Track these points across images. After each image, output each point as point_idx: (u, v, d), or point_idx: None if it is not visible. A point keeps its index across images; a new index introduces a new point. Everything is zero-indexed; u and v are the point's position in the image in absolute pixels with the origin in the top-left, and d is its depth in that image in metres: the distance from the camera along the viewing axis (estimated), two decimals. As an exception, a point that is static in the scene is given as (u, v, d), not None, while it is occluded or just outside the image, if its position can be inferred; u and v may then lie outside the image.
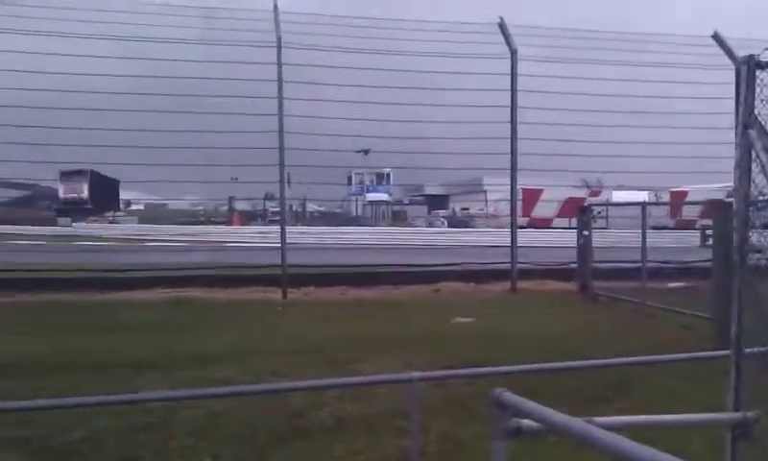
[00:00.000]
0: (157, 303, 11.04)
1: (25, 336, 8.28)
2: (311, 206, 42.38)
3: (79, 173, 36.07)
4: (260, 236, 29.80)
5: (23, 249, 20.37)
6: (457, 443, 5.10)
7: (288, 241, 13.35)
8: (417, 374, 4.15)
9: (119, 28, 13.35)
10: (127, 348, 7.71)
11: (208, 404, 5.60)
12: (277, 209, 40.86)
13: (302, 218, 39.62)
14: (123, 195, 40.48)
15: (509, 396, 2.47)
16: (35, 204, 43.08)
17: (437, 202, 49.06)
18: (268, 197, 36.21)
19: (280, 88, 12.66)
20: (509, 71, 14.04)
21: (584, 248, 13.34)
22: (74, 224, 34.56)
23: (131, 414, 5.37)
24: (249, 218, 42.27)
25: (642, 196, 23.31)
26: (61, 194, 38.97)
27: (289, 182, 13.27)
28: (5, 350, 7.48)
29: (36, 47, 12.96)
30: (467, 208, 46.66)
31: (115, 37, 13.73)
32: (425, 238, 30.09)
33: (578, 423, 2.18)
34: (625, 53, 14.32)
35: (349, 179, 40.38)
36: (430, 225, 40.99)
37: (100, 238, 28.79)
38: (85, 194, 39.13)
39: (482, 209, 42.44)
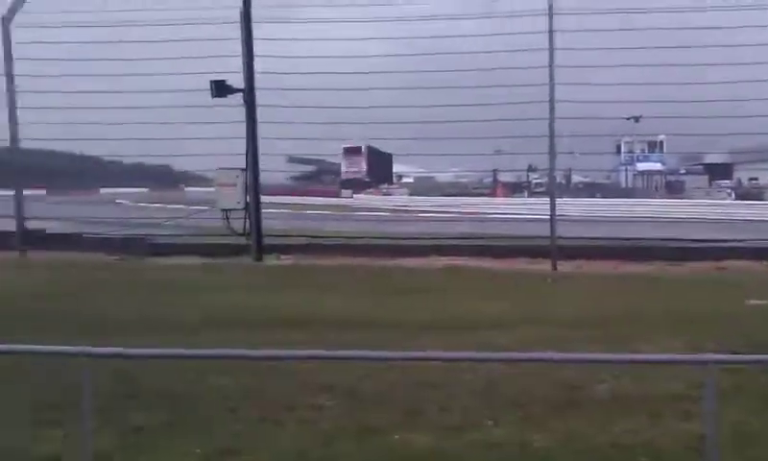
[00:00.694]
0: (431, 270, 11.68)
1: (333, 296, 9.32)
2: (576, 177, 41.07)
3: (358, 149, 39.51)
4: (524, 208, 29.76)
5: (313, 217, 22.95)
6: (753, 433, 4.67)
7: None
8: (713, 356, 3.87)
9: (391, 9, 14.16)
10: (408, 310, 8.32)
11: (486, 369, 5.82)
12: (541, 181, 40.32)
13: (567, 189, 38.60)
14: (395, 168, 43.35)
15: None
16: (320, 177, 48.09)
17: (719, 171, 44.03)
18: (531, 168, 35.88)
19: (551, 57, 12.39)
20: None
21: None
22: (354, 196, 37.98)
23: (415, 371, 5.78)
24: (512, 189, 42.35)
25: None
26: (343, 168, 43.06)
27: (554, 153, 13.03)
28: (319, 307, 8.55)
29: (323, 34, 14.34)
30: (755, 179, 41.31)
31: (387, 19, 14.64)
32: (707, 211, 27.37)
33: None
34: None
35: (618, 148, 38.28)
36: (712, 197, 37.11)
37: (376, 209, 31.16)
38: (364, 168, 42.69)
39: (776, 179, 37.24)
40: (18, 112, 13.59)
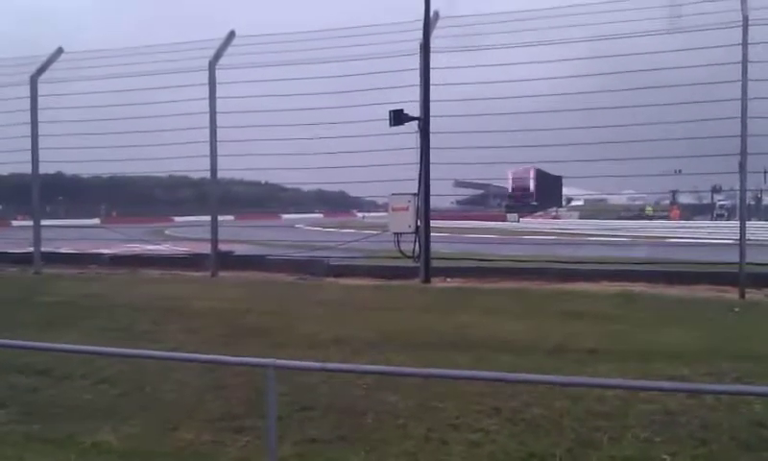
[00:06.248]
0: (603, 296, 11.24)
1: (500, 319, 9.31)
2: (768, 199, 37.63)
3: (526, 172, 39.08)
4: (705, 232, 27.78)
5: (479, 241, 22.95)
6: None
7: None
8: None
9: (572, 31, 13.91)
10: (577, 335, 8.11)
11: (664, 401, 5.56)
12: (725, 203, 37.18)
13: (756, 212, 35.56)
14: (565, 191, 42.25)
15: None
16: (486, 201, 48.06)
17: None
18: (716, 189, 33.28)
19: (744, 70, 11.51)
20: None
21: None
22: (520, 220, 37.54)
23: (585, 399, 5.65)
24: (691, 212, 39.77)
25: None
26: (510, 192, 42.72)
27: (746, 172, 12.00)
28: (487, 330, 8.59)
29: (499, 59, 14.39)
30: None
31: (565, 41, 14.36)
32: None
33: None
34: None
35: (822, 166, 34.25)
36: None
37: (542, 233, 30.52)
38: (531, 192, 42.09)
39: None
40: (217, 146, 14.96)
